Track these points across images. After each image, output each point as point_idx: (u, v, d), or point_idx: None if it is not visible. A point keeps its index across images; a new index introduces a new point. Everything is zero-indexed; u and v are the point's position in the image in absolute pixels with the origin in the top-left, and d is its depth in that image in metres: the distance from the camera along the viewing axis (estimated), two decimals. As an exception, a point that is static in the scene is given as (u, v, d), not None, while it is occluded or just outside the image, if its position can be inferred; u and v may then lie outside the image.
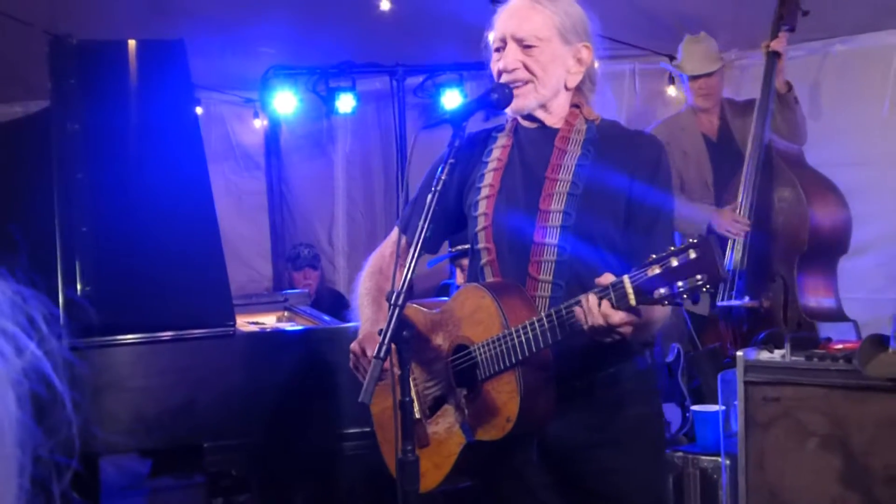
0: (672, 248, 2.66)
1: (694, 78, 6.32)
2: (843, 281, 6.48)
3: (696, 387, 5.61)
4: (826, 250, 5.65)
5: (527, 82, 3.15)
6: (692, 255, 2.62)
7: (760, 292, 5.63)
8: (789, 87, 5.86)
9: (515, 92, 3.15)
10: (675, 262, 2.64)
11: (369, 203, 8.76)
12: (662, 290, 2.65)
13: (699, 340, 5.70)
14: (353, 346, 3.30)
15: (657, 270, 2.66)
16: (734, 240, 5.65)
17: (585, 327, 2.79)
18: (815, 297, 5.63)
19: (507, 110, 3.21)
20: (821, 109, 6.85)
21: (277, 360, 4.94)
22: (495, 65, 3.19)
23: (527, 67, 3.14)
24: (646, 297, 2.68)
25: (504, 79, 3.16)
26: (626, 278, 2.71)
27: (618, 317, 2.74)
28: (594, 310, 2.75)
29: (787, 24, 5.77)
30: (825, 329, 5.34)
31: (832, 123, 6.79)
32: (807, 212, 5.52)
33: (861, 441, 4.20)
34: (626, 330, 2.79)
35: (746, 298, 5.61)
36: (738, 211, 5.71)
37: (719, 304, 5.67)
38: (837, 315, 5.67)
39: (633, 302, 2.70)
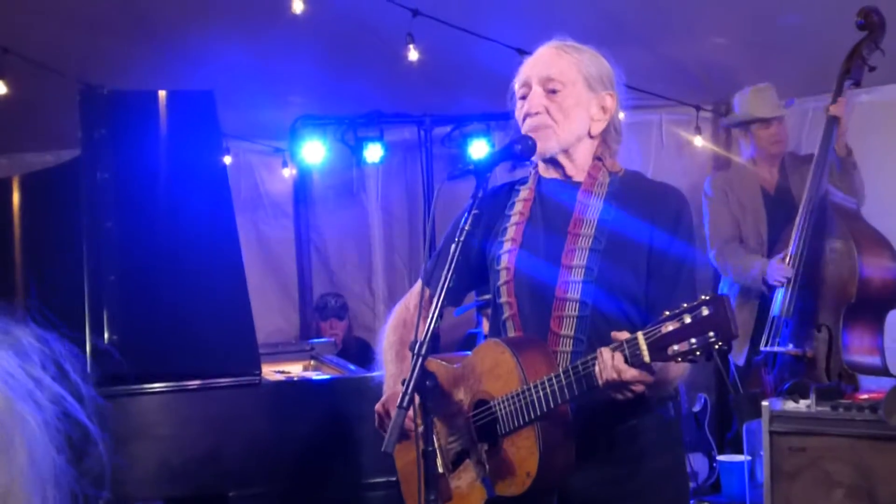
0: (685, 305, 2.65)
1: (765, 126, 6.33)
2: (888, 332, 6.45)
3: (731, 438, 5.58)
4: (874, 304, 5.60)
5: (549, 127, 3.17)
6: (705, 311, 2.61)
7: (805, 341, 5.59)
8: (849, 151, 5.86)
9: (537, 135, 3.15)
10: (688, 319, 2.63)
11: (400, 251, 8.77)
12: (676, 347, 2.64)
13: (744, 385, 5.67)
14: (378, 406, 3.30)
15: (671, 327, 2.66)
16: (783, 287, 5.64)
17: (600, 382, 2.80)
18: (859, 349, 5.57)
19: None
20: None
21: (303, 409, 4.95)
22: (520, 111, 3.20)
23: (549, 112, 3.15)
24: (660, 353, 2.68)
25: (527, 123, 3.16)
26: (640, 335, 2.71)
27: (630, 373, 2.74)
28: (608, 364, 2.76)
29: (852, 79, 5.75)
30: (867, 382, 5.29)
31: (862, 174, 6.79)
32: (856, 264, 5.48)
33: (887, 492, 4.18)
34: (639, 388, 2.78)
35: (791, 346, 5.57)
36: (786, 259, 5.72)
37: (763, 349, 5.65)
38: (881, 370, 5.61)
39: (647, 359, 2.70)
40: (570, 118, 3.15)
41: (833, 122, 5.76)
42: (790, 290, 5.61)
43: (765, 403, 4.52)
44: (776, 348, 5.63)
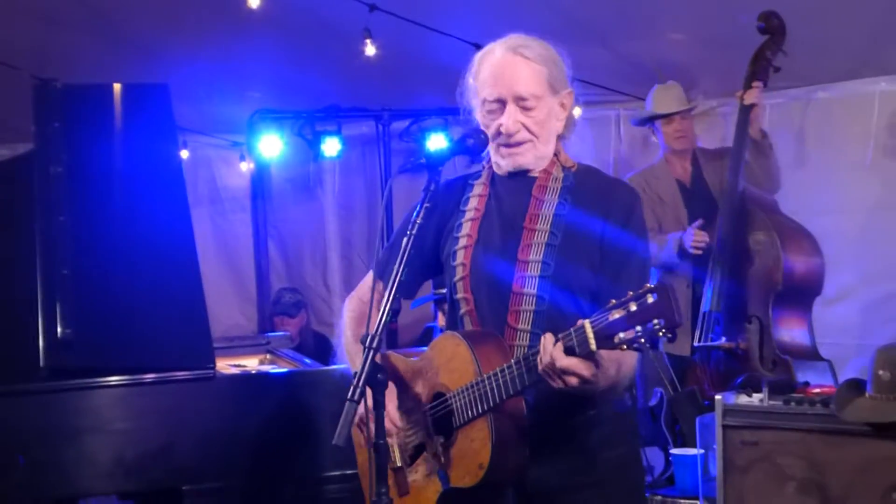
0: (631, 294, 2.67)
1: (668, 122, 6.44)
2: (824, 327, 6.51)
3: (679, 430, 5.62)
4: (800, 291, 5.71)
5: (528, 142, 3.18)
6: (650, 299, 2.63)
7: (737, 333, 5.67)
8: (764, 134, 5.96)
9: (515, 150, 3.17)
10: (633, 307, 2.65)
11: (357, 246, 8.76)
12: (622, 335, 2.66)
13: (682, 382, 5.72)
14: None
15: (617, 315, 2.67)
16: (713, 282, 5.71)
17: (539, 368, 2.81)
18: (790, 336, 5.68)
19: (505, 165, 3.22)
20: (806, 156, 6.91)
21: (259, 402, 4.95)
22: (492, 122, 3.18)
23: (527, 128, 3.16)
24: (607, 341, 2.69)
25: (506, 141, 3.17)
26: (586, 322, 2.73)
27: (565, 361, 2.75)
28: (547, 349, 2.78)
29: (759, 80, 5.86)
30: (801, 368, 5.36)
31: (816, 170, 6.85)
32: (780, 253, 5.58)
33: (838, 485, 4.20)
34: (572, 380, 2.78)
35: (723, 339, 5.65)
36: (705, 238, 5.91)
37: (696, 345, 5.72)
38: (812, 354, 5.71)
39: (593, 346, 2.71)
40: (545, 129, 3.18)
41: (747, 110, 5.89)
42: (717, 283, 5.69)
43: (718, 397, 4.54)
44: (709, 343, 5.70)
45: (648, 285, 2.67)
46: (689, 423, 5.27)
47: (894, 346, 4.27)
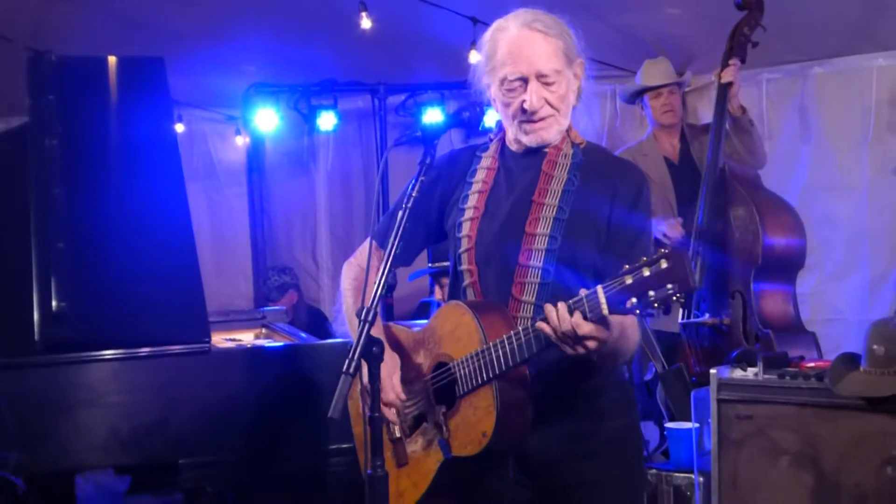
0: (644, 259, 2.69)
1: (656, 95, 6.45)
2: (826, 303, 6.54)
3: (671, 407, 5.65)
4: (781, 265, 5.74)
5: (551, 117, 3.18)
6: (664, 265, 2.65)
7: (721, 309, 5.69)
8: (743, 110, 5.96)
9: (539, 125, 3.17)
10: (647, 273, 2.67)
11: (350, 221, 8.76)
12: (634, 300, 2.68)
13: (670, 359, 5.74)
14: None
15: (629, 281, 2.69)
16: (694, 261, 5.71)
17: (554, 337, 2.82)
18: (771, 310, 5.70)
19: (528, 141, 3.22)
20: (807, 132, 6.91)
21: (254, 376, 4.95)
22: (513, 100, 3.17)
23: (549, 103, 3.16)
24: (619, 306, 2.71)
25: (535, 117, 3.16)
26: (599, 288, 2.74)
27: (587, 328, 2.77)
28: (565, 319, 2.78)
29: (736, 56, 5.88)
30: (783, 342, 5.37)
31: (817, 146, 6.86)
32: (759, 228, 5.60)
33: (832, 459, 4.22)
34: (592, 344, 2.81)
35: (707, 315, 5.68)
36: (689, 231, 5.91)
37: (681, 322, 5.75)
38: (796, 327, 5.73)
39: (605, 311, 2.73)
40: (565, 102, 3.19)
41: (725, 88, 5.89)
42: (700, 260, 5.70)
43: (713, 371, 4.56)
44: (693, 319, 5.72)
45: (662, 250, 2.69)
46: (677, 399, 5.31)
47: (888, 321, 4.28)
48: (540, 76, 3.13)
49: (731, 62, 5.86)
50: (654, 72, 6.52)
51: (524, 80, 3.15)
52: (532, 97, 3.14)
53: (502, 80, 3.18)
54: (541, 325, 2.86)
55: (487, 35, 3.26)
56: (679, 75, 6.60)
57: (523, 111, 3.16)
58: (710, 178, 5.81)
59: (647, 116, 6.64)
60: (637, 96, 6.65)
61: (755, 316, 5.60)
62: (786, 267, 5.79)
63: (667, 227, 6.04)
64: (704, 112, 6.96)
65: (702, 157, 6.15)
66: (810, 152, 6.89)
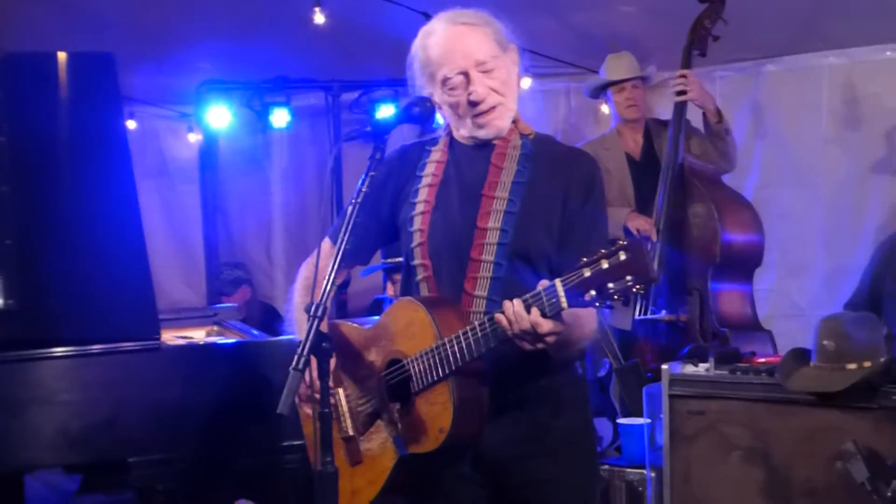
0: (602, 251, 2.69)
1: (620, 90, 6.44)
2: (785, 298, 6.59)
3: (624, 401, 5.67)
4: (739, 264, 5.78)
5: (500, 104, 3.18)
6: (622, 256, 2.65)
7: (678, 306, 5.71)
8: (720, 117, 5.95)
9: (491, 115, 3.18)
10: (605, 265, 2.67)
11: (304, 218, 8.73)
12: (593, 293, 2.68)
13: (625, 355, 5.76)
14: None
15: (587, 273, 2.69)
16: (652, 255, 5.71)
17: (510, 333, 2.81)
18: (728, 308, 5.74)
19: (482, 134, 3.21)
20: (762, 130, 6.95)
21: (206, 373, 4.91)
22: (458, 97, 3.18)
23: (495, 91, 3.16)
24: (578, 300, 2.71)
25: (480, 108, 3.16)
26: (557, 282, 2.74)
27: (547, 325, 2.78)
28: (522, 317, 2.77)
29: (697, 50, 5.91)
30: (740, 340, 5.40)
31: (771, 143, 6.90)
32: (717, 226, 5.63)
33: (782, 454, 4.26)
34: (550, 339, 2.81)
35: (664, 312, 5.69)
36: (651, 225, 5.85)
37: (637, 318, 5.76)
38: (752, 325, 5.76)
39: (564, 305, 2.73)
40: (509, 86, 3.21)
41: (681, 95, 5.94)
42: (657, 256, 5.71)
43: (665, 367, 4.58)
44: (651, 316, 5.73)
45: (620, 242, 2.69)
46: (633, 395, 5.32)
47: (838, 317, 4.32)
48: (479, 65, 3.14)
49: (681, 73, 5.90)
50: (617, 66, 6.51)
51: (465, 75, 3.15)
52: (477, 88, 3.14)
53: (444, 82, 3.19)
54: (499, 317, 2.85)
55: (417, 43, 3.27)
56: (642, 69, 6.59)
57: (471, 104, 3.16)
58: (668, 173, 5.81)
59: (611, 111, 6.62)
60: (601, 91, 6.63)
61: (712, 314, 5.62)
62: (744, 265, 5.83)
63: (639, 223, 6.00)
64: (657, 109, 6.98)
65: (664, 153, 6.15)
66: (764, 150, 6.94)
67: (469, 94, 3.15)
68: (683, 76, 5.89)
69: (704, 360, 4.51)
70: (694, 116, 6.24)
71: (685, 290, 5.73)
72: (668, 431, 4.53)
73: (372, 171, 3.02)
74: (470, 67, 3.14)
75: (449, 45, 3.17)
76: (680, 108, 5.91)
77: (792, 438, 4.24)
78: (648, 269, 2.65)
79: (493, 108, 3.17)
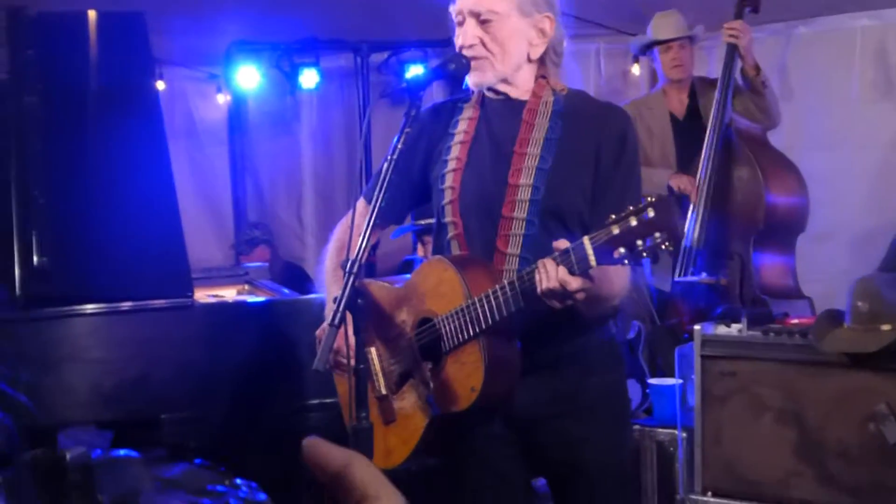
0: (631, 208, 2.66)
1: (666, 49, 6.34)
2: (813, 263, 6.54)
3: (660, 364, 5.65)
4: (782, 229, 5.70)
5: (485, 58, 3.15)
6: (651, 213, 2.62)
7: (718, 269, 5.66)
8: (758, 70, 5.88)
9: (474, 65, 3.14)
10: (633, 222, 2.64)
11: (333, 180, 8.73)
12: (622, 250, 2.65)
13: (662, 316, 5.73)
14: (318, 332, 3.30)
15: (616, 231, 2.66)
16: (695, 218, 5.66)
17: (539, 291, 2.80)
18: (770, 274, 5.69)
19: (468, 83, 3.20)
20: (790, 92, 6.90)
21: (237, 331, 4.94)
22: (457, 40, 3.18)
23: (484, 44, 3.13)
24: (607, 257, 2.68)
25: (463, 55, 3.16)
26: (585, 239, 2.72)
27: (576, 283, 2.75)
28: (552, 275, 2.76)
29: (749, 6, 5.80)
30: (780, 307, 5.37)
31: (802, 106, 6.85)
32: (762, 191, 5.56)
33: (815, 415, 4.24)
34: (581, 296, 2.79)
35: (704, 275, 5.64)
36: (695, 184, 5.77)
37: (676, 280, 5.71)
38: (793, 292, 5.72)
39: (593, 262, 2.70)
40: (506, 49, 3.15)
41: (732, 48, 5.82)
42: (700, 219, 5.65)
43: (697, 328, 4.56)
44: (691, 278, 5.69)
45: (649, 198, 2.66)
46: (669, 357, 5.30)
47: (872, 277, 4.29)
48: (474, 14, 3.13)
49: (736, 21, 5.80)
50: (663, 25, 6.41)
51: (464, 17, 3.15)
52: (466, 31, 3.13)
53: (454, 21, 3.19)
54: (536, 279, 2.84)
55: None
56: (689, 29, 6.52)
57: (461, 48, 3.15)
58: (715, 133, 5.74)
59: (657, 70, 6.53)
60: (647, 49, 6.57)
61: (752, 279, 5.58)
62: (788, 230, 5.75)
63: (681, 182, 5.92)
64: (708, 69, 6.91)
65: (710, 113, 6.03)
66: (794, 112, 6.88)
67: (458, 38, 3.15)
68: (739, 23, 5.81)
69: (737, 321, 4.49)
70: (715, 72, 6.19)
71: (726, 255, 5.68)
72: (700, 392, 4.52)
73: (407, 127, 2.99)
74: (465, 12, 3.13)
75: None
76: (730, 60, 5.82)
77: (824, 400, 4.22)
78: (676, 225, 2.64)
79: (476, 58, 3.14)
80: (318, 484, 0.83)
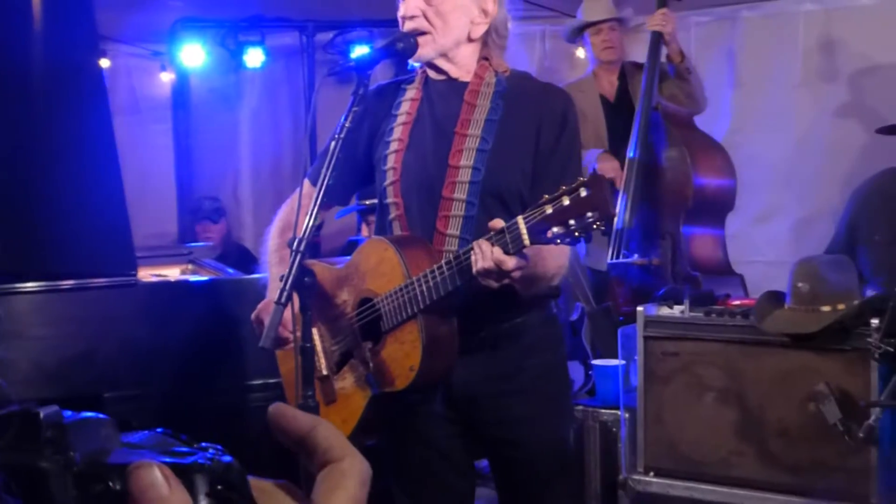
0: (564, 188, 2.67)
1: (596, 32, 6.39)
2: (756, 244, 6.61)
3: (598, 345, 5.69)
4: (711, 208, 5.77)
5: (426, 32, 3.14)
6: (583, 192, 2.63)
7: (651, 250, 5.72)
8: (682, 57, 5.94)
9: (419, 41, 3.15)
10: (566, 201, 2.65)
11: (277, 159, 8.70)
12: (556, 229, 2.66)
13: (598, 298, 5.77)
14: (252, 315, 3.29)
15: (549, 210, 2.67)
16: (626, 200, 5.71)
17: (474, 271, 2.81)
18: (700, 252, 5.74)
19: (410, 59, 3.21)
20: (737, 75, 6.96)
21: (180, 310, 4.91)
22: (399, 12, 3.18)
23: (426, 16, 3.13)
24: (540, 236, 2.69)
25: (405, 26, 3.15)
26: (519, 219, 2.72)
27: (511, 262, 2.75)
28: (487, 255, 2.76)
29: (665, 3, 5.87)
30: (711, 284, 5.42)
31: (748, 90, 6.91)
32: (690, 171, 5.61)
33: (756, 395, 4.28)
34: (518, 275, 2.80)
35: (636, 256, 5.69)
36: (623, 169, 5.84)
37: (610, 262, 5.75)
38: (724, 266, 5.78)
39: (527, 242, 2.71)
40: (447, 23, 3.15)
41: (657, 36, 5.88)
42: (630, 201, 5.70)
43: (640, 308, 4.59)
44: (622, 260, 5.74)
45: (581, 178, 2.67)
46: (605, 338, 5.34)
47: (813, 259, 4.34)
48: None
49: (660, 10, 5.86)
50: (594, 7, 6.45)
51: None
52: (408, 4, 3.14)
53: None
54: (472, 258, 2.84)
55: None
56: (619, 11, 6.55)
57: (402, 21, 3.15)
58: (642, 117, 5.80)
59: (588, 54, 6.58)
60: (578, 33, 6.60)
61: (684, 258, 5.64)
62: (716, 209, 5.83)
63: (605, 167, 5.95)
64: (634, 53, 6.96)
65: (638, 96, 6.14)
66: (737, 95, 6.94)
67: (400, 9, 3.16)
68: (664, 12, 5.86)
69: (680, 302, 4.52)
70: (639, 56, 6.24)
71: (658, 235, 5.74)
72: (643, 372, 4.55)
73: (355, 106, 2.99)
74: None
75: None
76: (655, 47, 5.88)
77: (766, 380, 4.26)
78: (609, 204, 2.64)
79: (414, 31, 3.14)
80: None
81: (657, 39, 5.87)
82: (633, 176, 5.72)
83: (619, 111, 6.31)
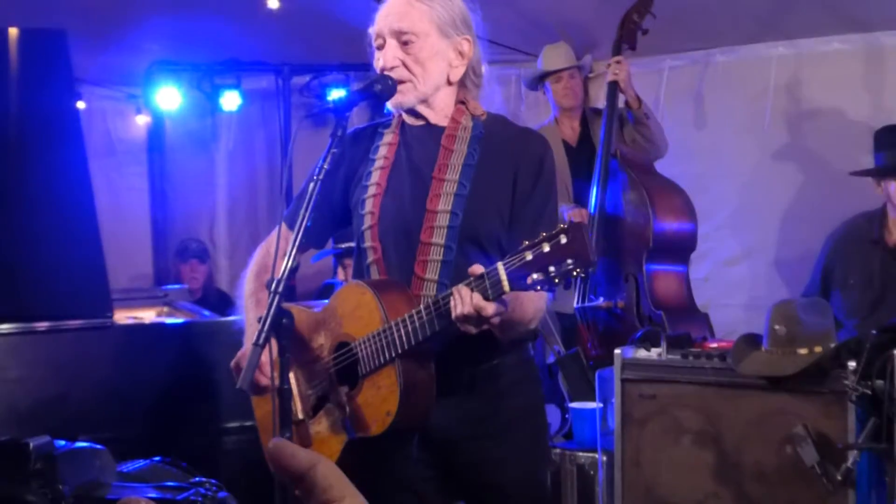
0: (544, 234, 2.68)
1: (557, 80, 6.49)
2: (723, 287, 6.63)
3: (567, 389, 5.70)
4: (672, 248, 5.80)
5: (405, 80, 3.15)
6: (563, 239, 2.64)
7: (615, 292, 5.75)
8: (639, 102, 6.01)
9: (399, 88, 3.16)
10: (546, 248, 2.66)
11: (252, 202, 8.70)
12: (536, 276, 2.67)
13: (567, 343, 5.80)
14: (232, 364, 3.27)
15: (529, 256, 2.68)
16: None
17: (454, 316, 2.80)
18: (663, 292, 5.76)
19: (389, 105, 3.21)
20: (705, 119, 7.00)
21: (156, 353, 4.90)
22: (377, 63, 3.18)
23: (405, 65, 3.14)
24: (519, 282, 2.70)
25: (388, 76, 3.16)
26: (499, 265, 2.73)
27: (491, 308, 2.76)
28: (466, 301, 2.76)
29: (627, 44, 5.97)
30: (675, 323, 5.44)
31: (715, 134, 6.94)
32: (650, 211, 5.64)
33: (733, 437, 4.28)
34: (497, 321, 2.81)
35: (601, 299, 5.72)
36: (583, 214, 5.91)
37: (576, 306, 5.79)
38: (688, 308, 5.80)
39: (507, 288, 2.72)
40: (426, 70, 3.16)
41: (613, 84, 5.98)
42: (593, 243, 5.72)
43: (617, 351, 4.59)
44: (588, 304, 5.76)
45: (561, 225, 2.68)
46: (575, 383, 5.35)
47: (790, 302, 4.35)
48: (396, 34, 3.14)
49: (615, 59, 5.93)
50: (553, 56, 6.55)
51: (384, 39, 3.16)
52: (386, 54, 3.14)
53: (373, 46, 3.20)
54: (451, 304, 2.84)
55: None
56: (578, 59, 6.63)
57: (382, 71, 3.16)
58: (602, 162, 5.85)
59: (550, 101, 6.66)
60: (539, 82, 6.68)
61: (647, 298, 5.66)
62: (677, 249, 5.87)
63: (572, 214, 6.00)
64: (602, 98, 7.01)
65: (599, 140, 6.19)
66: (706, 139, 6.98)
67: (378, 61, 3.16)
68: (618, 62, 5.93)
69: (657, 345, 4.53)
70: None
71: (622, 277, 5.78)
72: (620, 415, 4.55)
73: (334, 147, 2.99)
74: (387, 34, 3.15)
75: (385, 12, 3.18)
76: (612, 95, 5.95)
77: (743, 422, 4.26)
78: (589, 251, 2.65)
79: (400, 81, 3.15)
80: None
81: (613, 88, 5.97)
82: (595, 220, 5.76)
83: (581, 156, 6.40)
